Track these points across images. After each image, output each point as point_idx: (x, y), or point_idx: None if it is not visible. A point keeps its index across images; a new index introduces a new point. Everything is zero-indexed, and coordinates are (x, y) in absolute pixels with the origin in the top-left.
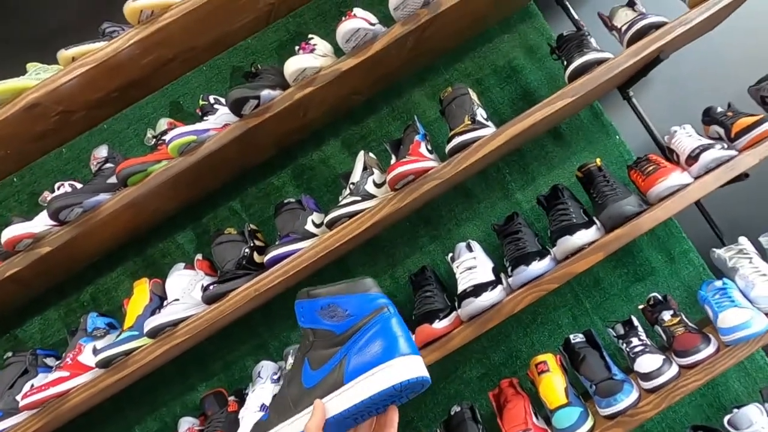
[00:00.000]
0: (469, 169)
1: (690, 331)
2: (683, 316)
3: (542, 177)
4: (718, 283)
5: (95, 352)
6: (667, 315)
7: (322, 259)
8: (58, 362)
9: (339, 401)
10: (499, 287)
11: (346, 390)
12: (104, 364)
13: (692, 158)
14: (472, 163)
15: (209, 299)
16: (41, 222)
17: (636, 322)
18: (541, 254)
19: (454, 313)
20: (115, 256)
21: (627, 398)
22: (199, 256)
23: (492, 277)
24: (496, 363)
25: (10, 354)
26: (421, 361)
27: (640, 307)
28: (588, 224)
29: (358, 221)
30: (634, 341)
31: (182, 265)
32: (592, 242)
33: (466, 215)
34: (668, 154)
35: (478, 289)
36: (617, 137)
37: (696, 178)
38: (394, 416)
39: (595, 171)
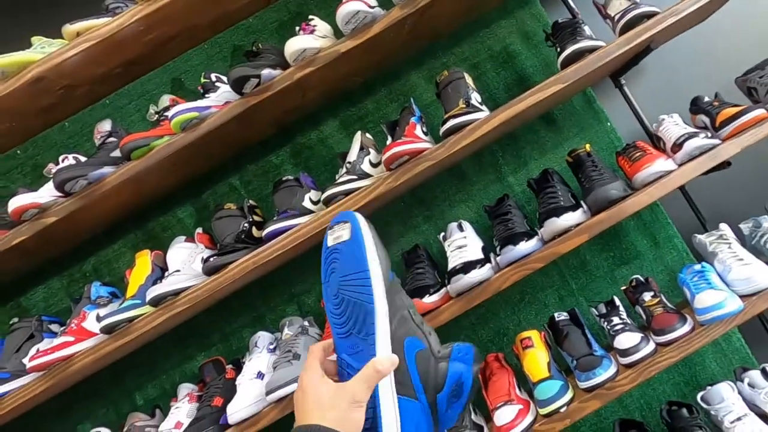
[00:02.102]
0: (463, 152)
1: (668, 311)
2: (662, 298)
3: (534, 161)
4: (697, 267)
5: (99, 318)
6: (647, 296)
7: (318, 234)
8: (62, 328)
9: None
10: (488, 265)
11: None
12: (108, 329)
13: (677, 146)
14: (465, 145)
15: (209, 270)
16: (47, 193)
17: (618, 303)
18: (529, 235)
19: (443, 289)
20: (117, 228)
21: (605, 372)
22: (199, 230)
23: (481, 256)
24: (484, 340)
25: (16, 320)
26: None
27: (623, 288)
28: (575, 207)
29: (353, 199)
30: (615, 320)
31: (183, 238)
32: (578, 224)
33: (459, 197)
34: (656, 141)
35: (467, 267)
36: (608, 124)
37: (680, 165)
38: None
39: (584, 156)
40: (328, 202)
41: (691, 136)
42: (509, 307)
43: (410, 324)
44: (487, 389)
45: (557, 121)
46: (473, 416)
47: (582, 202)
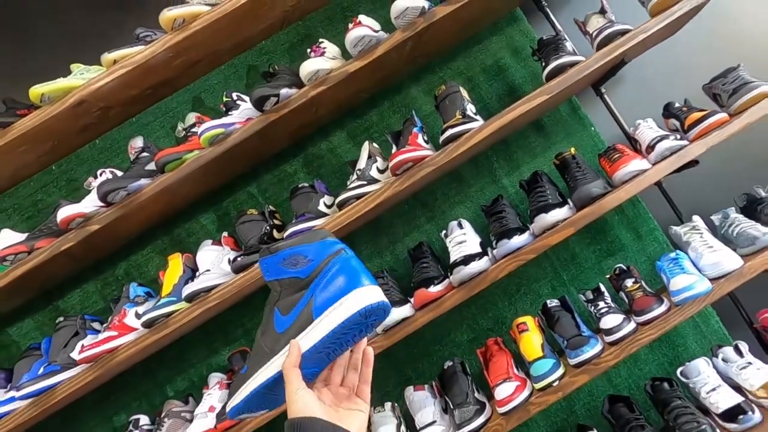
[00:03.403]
0: (461, 157)
1: (647, 294)
2: (642, 283)
3: (526, 164)
4: (672, 255)
5: (138, 315)
6: (629, 282)
7: (335, 234)
8: (105, 324)
9: (311, 336)
10: (485, 258)
11: (316, 324)
12: (148, 324)
13: (650, 147)
14: (463, 151)
15: (237, 269)
16: (90, 203)
17: (603, 289)
18: (521, 230)
19: (446, 280)
20: (146, 235)
21: (592, 350)
22: (225, 234)
23: (479, 250)
24: (484, 328)
25: (61, 319)
26: (380, 289)
27: (608, 276)
28: (561, 204)
29: (364, 202)
30: (601, 304)
31: (210, 241)
32: (565, 219)
33: (458, 198)
34: (633, 143)
35: (467, 259)
36: (592, 129)
37: (653, 164)
38: (369, 354)
39: (570, 159)
40: (341, 205)
41: (662, 138)
42: (507, 297)
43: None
44: (488, 370)
45: (546, 127)
46: (476, 394)
47: (568, 200)
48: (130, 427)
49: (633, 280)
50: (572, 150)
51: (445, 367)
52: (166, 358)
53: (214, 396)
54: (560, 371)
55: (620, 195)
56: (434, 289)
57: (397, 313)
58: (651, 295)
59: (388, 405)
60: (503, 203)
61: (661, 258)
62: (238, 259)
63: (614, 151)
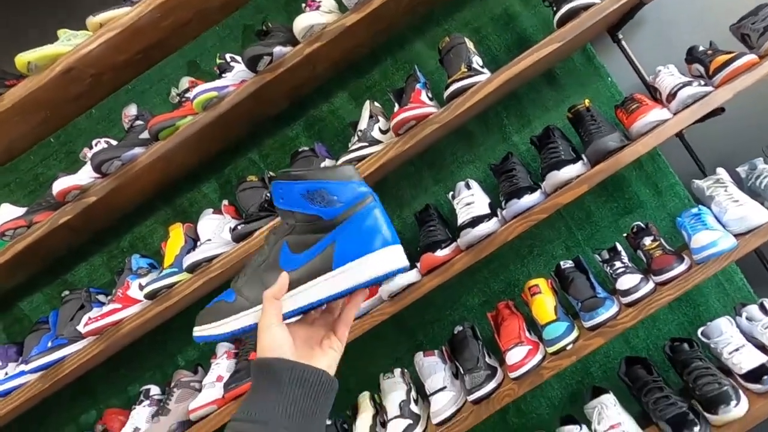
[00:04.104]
0: (467, 113)
1: (666, 252)
2: (662, 241)
3: (538, 120)
4: (694, 210)
5: (141, 287)
6: (647, 240)
7: None
8: (109, 297)
9: (324, 287)
10: (494, 219)
11: (334, 276)
12: (151, 295)
13: (671, 95)
14: (469, 107)
15: (238, 237)
16: (86, 175)
17: (620, 249)
18: (532, 189)
19: (454, 244)
20: (148, 206)
21: (607, 312)
22: (225, 202)
23: (488, 211)
24: (496, 291)
25: (67, 292)
26: (403, 250)
27: (625, 235)
28: (574, 160)
29: (367, 163)
30: (617, 264)
31: (210, 210)
32: (578, 176)
33: (466, 157)
34: (653, 93)
35: (475, 221)
36: (609, 79)
37: (675, 113)
38: (357, 296)
39: (584, 111)
40: None
41: (684, 85)
42: (519, 259)
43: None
44: (499, 334)
45: (558, 79)
46: (487, 359)
47: (582, 155)
48: (141, 397)
49: (651, 238)
50: (586, 102)
51: (455, 332)
52: (174, 328)
53: (222, 365)
54: (574, 334)
55: (638, 148)
56: (441, 254)
57: (403, 278)
58: (671, 254)
59: (397, 371)
60: (513, 161)
61: (681, 214)
62: (239, 227)
63: (632, 101)
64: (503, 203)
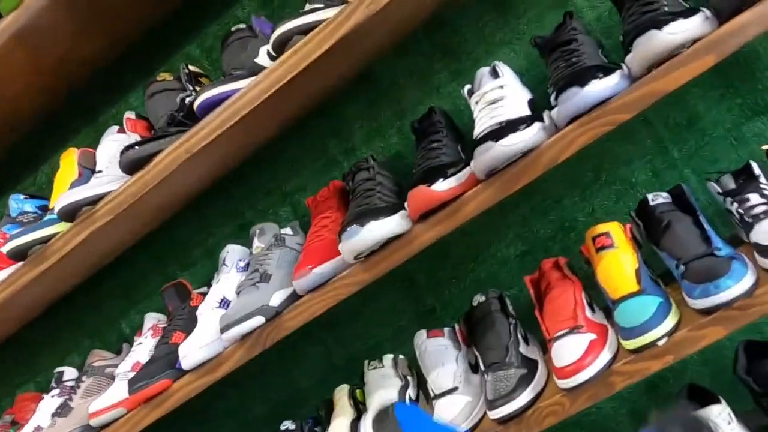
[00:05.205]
0: None
1: None
2: None
3: None
4: None
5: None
6: None
7: (274, 100)
8: None
9: None
10: (537, 125)
11: None
12: (15, 254)
13: None
14: None
15: (128, 166)
16: None
17: (757, 170)
18: (606, 69)
19: (466, 169)
20: (58, 124)
21: (736, 284)
22: (130, 114)
23: (527, 112)
24: (542, 237)
25: None
26: None
27: (764, 147)
28: (689, 12)
29: (318, 36)
30: (753, 198)
31: (116, 128)
32: (695, 40)
33: (500, 36)
34: None
35: (503, 129)
36: None
37: None
38: None
39: None
40: (279, 46)
41: None
42: (577, 190)
43: None
44: (542, 310)
45: None
46: (523, 347)
47: (703, 7)
48: (53, 383)
49: None
50: None
51: (475, 303)
52: (112, 287)
53: (145, 346)
54: (672, 320)
55: None
56: (441, 186)
57: (381, 227)
58: None
59: (387, 359)
60: (573, 28)
61: None
62: (130, 151)
63: None
64: (553, 97)
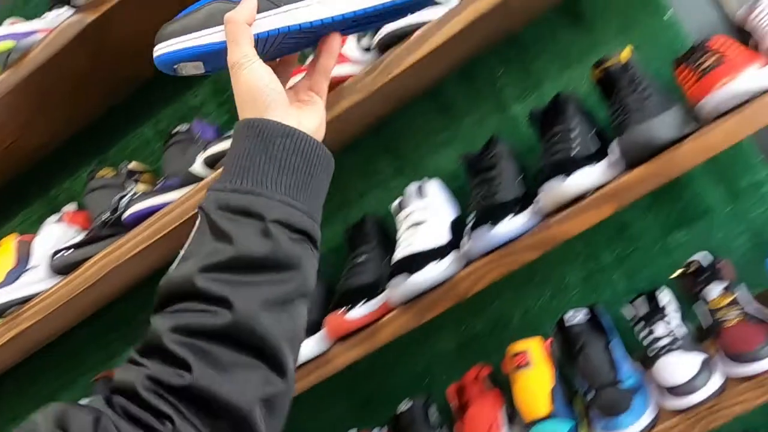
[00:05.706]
0: (404, 78)
1: (749, 320)
2: (740, 294)
3: (551, 81)
4: None
5: None
6: (715, 290)
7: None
8: None
9: (308, 11)
10: (450, 256)
11: None
12: None
13: None
14: (413, 63)
15: (58, 269)
16: None
17: (664, 300)
18: (517, 203)
19: (383, 295)
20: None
21: (634, 422)
22: (70, 207)
23: (445, 239)
24: (479, 335)
25: None
26: None
27: (676, 274)
28: (596, 156)
29: None
30: (659, 329)
31: (56, 217)
32: (599, 187)
33: (443, 137)
34: (743, 37)
35: (417, 259)
36: (667, 15)
37: None
38: (333, 41)
39: (618, 70)
40: (212, 163)
41: None
42: (511, 290)
43: None
44: (463, 423)
45: (585, 14)
46: None
47: (612, 146)
48: None
49: (723, 286)
50: (625, 52)
51: (399, 411)
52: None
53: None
54: None
55: (712, 139)
56: (354, 314)
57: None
58: (757, 323)
59: None
60: (496, 152)
61: None
62: (63, 253)
63: (706, 52)
64: (469, 227)
